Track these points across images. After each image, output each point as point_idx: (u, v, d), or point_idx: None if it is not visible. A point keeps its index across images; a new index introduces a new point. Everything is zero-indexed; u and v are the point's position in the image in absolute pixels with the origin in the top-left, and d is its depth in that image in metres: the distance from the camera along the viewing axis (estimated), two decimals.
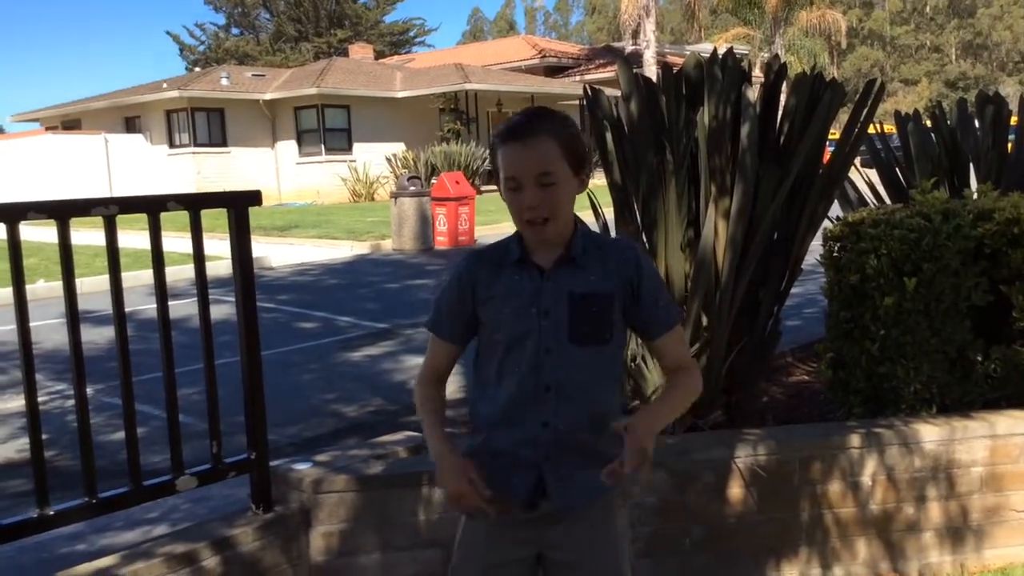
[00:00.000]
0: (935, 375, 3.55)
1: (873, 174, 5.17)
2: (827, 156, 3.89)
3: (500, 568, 2.00)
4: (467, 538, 2.04)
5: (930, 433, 3.33)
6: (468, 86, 29.06)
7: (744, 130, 3.50)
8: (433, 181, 17.56)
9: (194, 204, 2.80)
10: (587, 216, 3.92)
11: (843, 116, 4.27)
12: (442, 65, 33.77)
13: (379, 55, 44.31)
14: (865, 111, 3.80)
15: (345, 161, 28.62)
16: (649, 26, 31.71)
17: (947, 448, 3.33)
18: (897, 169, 5.14)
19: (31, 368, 2.46)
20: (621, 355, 2.01)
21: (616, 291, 1.93)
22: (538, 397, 1.92)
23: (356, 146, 29.34)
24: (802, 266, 3.88)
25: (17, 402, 5.65)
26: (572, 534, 1.98)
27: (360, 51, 39.39)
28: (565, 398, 1.92)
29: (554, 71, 37.00)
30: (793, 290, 3.96)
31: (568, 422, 1.92)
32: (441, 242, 14.97)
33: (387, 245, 15.36)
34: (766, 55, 33.89)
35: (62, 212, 2.50)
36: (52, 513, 2.53)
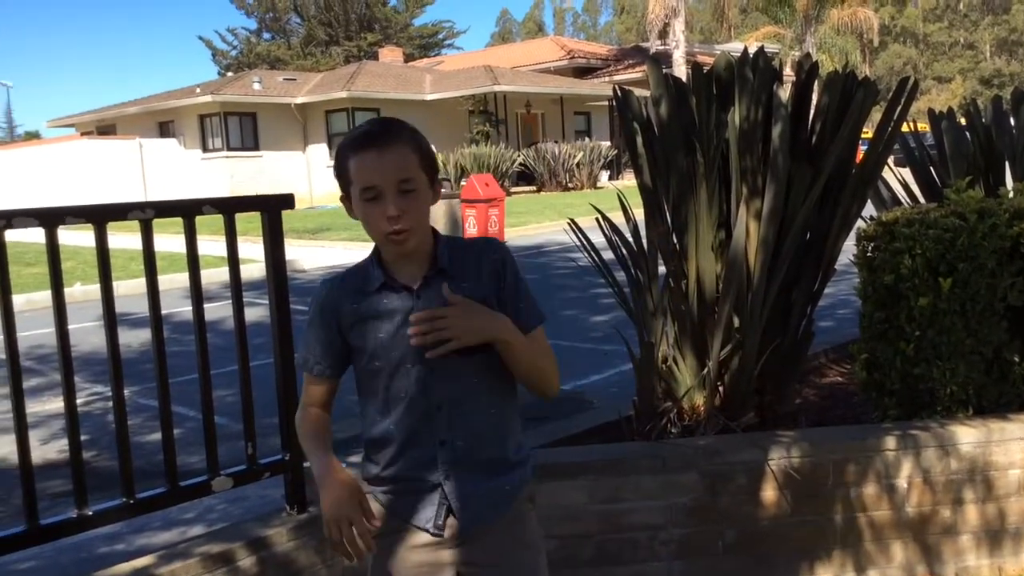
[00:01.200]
0: (971, 376, 3.51)
1: (907, 173, 5.12)
2: (860, 155, 3.85)
3: None
4: (379, 566, 1.93)
5: (967, 435, 3.29)
6: (497, 88, 29.12)
7: (776, 130, 3.47)
8: (463, 183, 17.60)
9: (228, 208, 2.83)
10: (617, 217, 3.93)
11: (876, 115, 4.23)
12: (471, 67, 33.86)
13: (408, 58, 44.50)
14: (898, 109, 3.77)
15: None
16: (678, 26, 31.61)
17: (984, 450, 3.29)
18: (931, 168, 5.09)
19: (70, 371, 2.51)
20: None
21: (489, 293, 1.83)
22: (430, 416, 1.83)
23: None
24: (835, 266, 3.85)
25: (56, 404, 5.74)
26: (486, 546, 1.89)
27: (390, 54, 39.61)
28: (459, 413, 1.84)
29: (583, 72, 36.98)
30: (826, 291, 3.93)
31: (465, 436, 1.84)
32: None
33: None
34: (797, 54, 33.61)
35: (99, 216, 2.54)
36: (91, 513, 2.57)
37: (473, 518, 1.87)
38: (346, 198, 1.86)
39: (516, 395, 1.94)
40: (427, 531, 1.87)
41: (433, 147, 1.91)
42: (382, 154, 1.76)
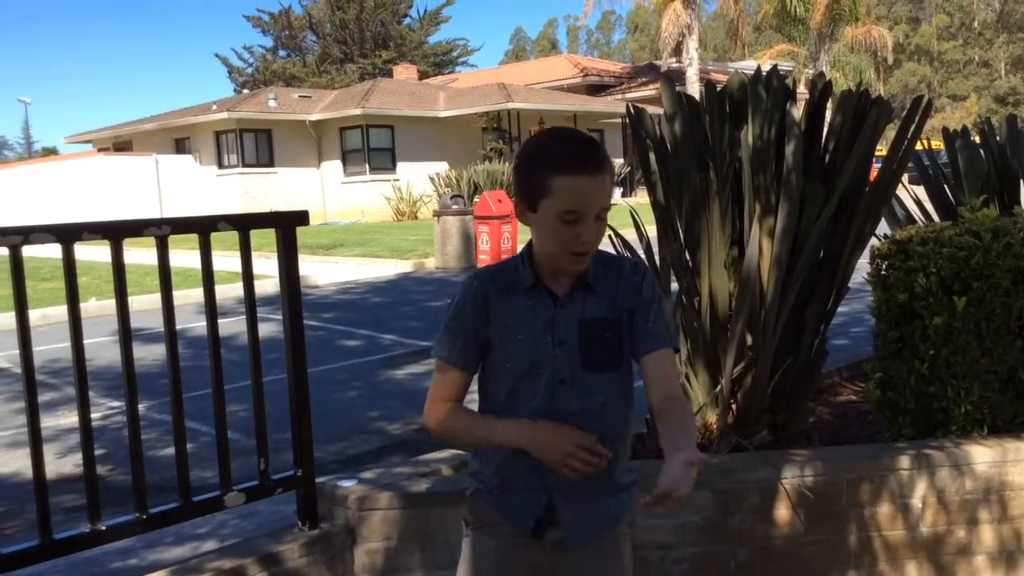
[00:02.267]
0: (986, 395, 3.49)
1: (921, 191, 5.10)
2: (874, 173, 3.85)
3: None
4: (472, 563, 1.95)
5: (982, 454, 3.27)
6: (510, 105, 29.21)
7: (789, 148, 3.48)
8: (476, 200, 17.65)
9: (243, 224, 2.85)
10: (630, 234, 3.94)
11: (890, 133, 4.23)
12: (485, 85, 33.98)
13: (423, 75, 44.72)
14: (912, 128, 3.77)
15: (389, 180, 28.89)
16: (692, 44, 31.69)
17: (999, 470, 3.27)
18: (945, 186, 5.07)
19: (85, 385, 2.52)
20: (632, 379, 1.92)
21: (624, 313, 1.86)
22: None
23: (400, 165, 29.61)
24: (849, 285, 3.84)
25: (70, 418, 5.76)
26: (582, 566, 1.90)
27: (404, 72, 39.79)
28: (580, 427, 1.82)
29: (596, 89, 37.06)
30: (840, 309, 3.92)
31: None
32: (484, 260, 15.01)
33: (430, 263, 15.46)
34: (811, 72, 33.64)
35: (116, 233, 2.56)
36: (104, 528, 2.58)
37: (580, 533, 1.89)
38: (525, 205, 1.82)
39: (631, 418, 1.95)
40: (530, 537, 1.88)
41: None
42: (595, 180, 1.76)
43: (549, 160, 1.78)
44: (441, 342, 1.90)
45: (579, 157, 1.76)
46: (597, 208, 1.76)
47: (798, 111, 3.57)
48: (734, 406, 3.67)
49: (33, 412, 2.42)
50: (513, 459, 1.87)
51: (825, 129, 3.80)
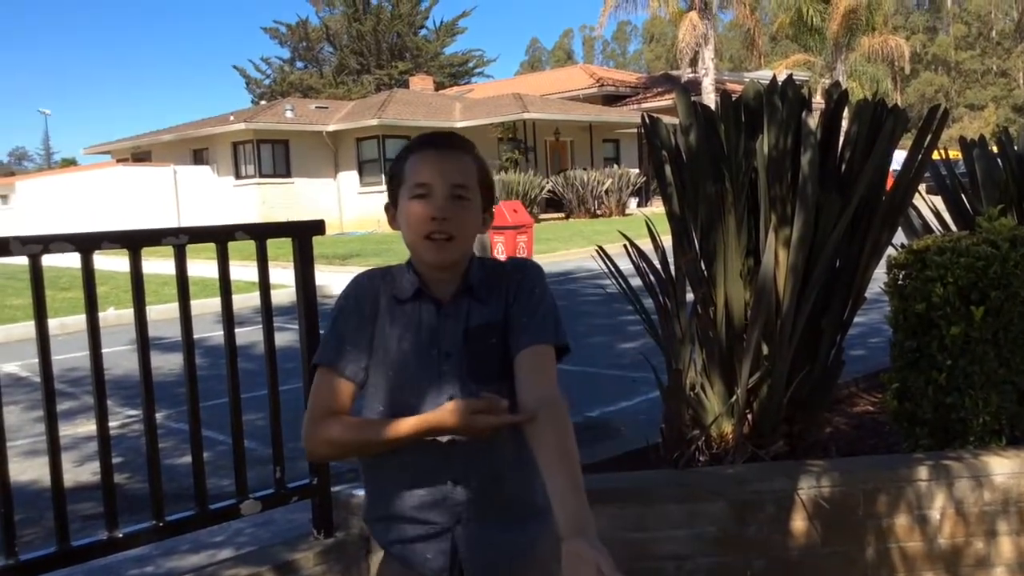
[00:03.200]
0: (1004, 406, 3.46)
1: (938, 201, 5.08)
2: (890, 183, 3.84)
3: None
4: None
5: (1000, 465, 3.24)
6: (526, 115, 29.28)
7: (805, 158, 3.47)
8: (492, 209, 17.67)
9: (260, 234, 2.87)
10: (646, 244, 3.94)
11: (906, 142, 4.22)
12: (501, 95, 34.09)
13: (439, 86, 44.90)
14: (929, 137, 3.75)
15: None
16: (708, 54, 31.70)
17: (1018, 481, 3.24)
18: (963, 196, 5.05)
19: (103, 394, 2.54)
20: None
21: (504, 316, 1.71)
22: (443, 451, 1.65)
23: None
24: (866, 295, 3.82)
25: (87, 427, 5.81)
26: None
27: (420, 82, 39.97)
28: (478, 448, 1.64)
29: (612, 100, 37.11)
30: (857, 319, 3.90)
31: (480, 475, 1.68)
32: None
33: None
34: (827, 81, 33.56)
35: (135, 242, 2.58)
36: (121, 535, 2.59)
37: (485, 572, 1.70)
38: (391, 206, 1.79)
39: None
40: None
41: (491, 176, 1.88)
42: (443, 156, 1.72)
43: (407, 147, 1.79)
44: (324, 346, 1.73)
45: (434, 137, 1.77)
46: (448, 183, 1.68)
47: (814, 120, 3.56)
48: (750, 416, 3.66)
49: (52, 420, 2.44)
50: (405, 492, 1.70)
51: (841, 139, 3.79)
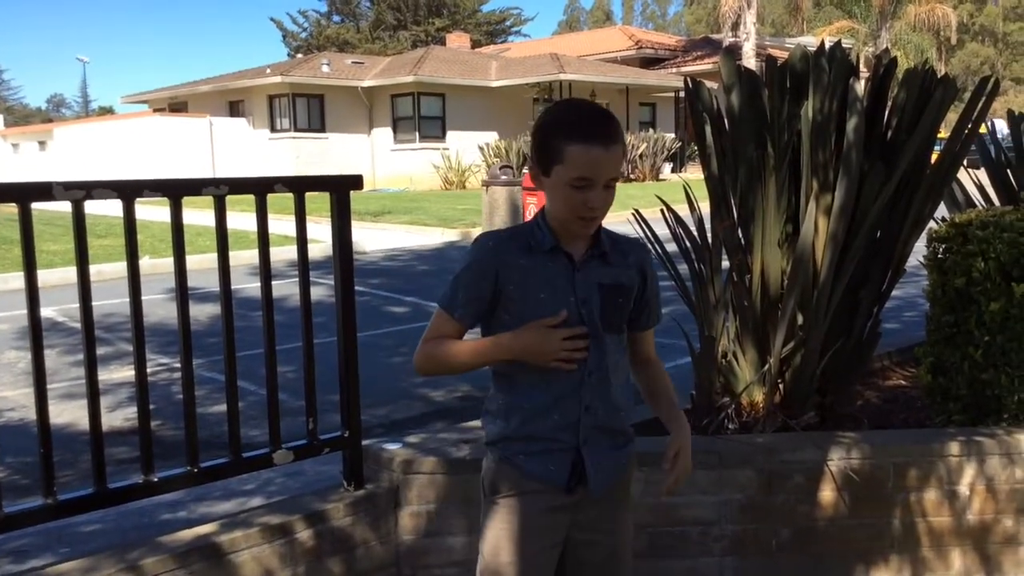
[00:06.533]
0: None
1: (982, 175, 4.99)
2: (934, 157, 3.77)
3: (540, 554, 2.03)
4: (507, 528, 2.03)
5: None
6: (563, 76, 29.02)
7: (851, 124, 3.41)
8: (525, 171, 17.59)
9: (299, 187, 2.87)
10: (682, 210, 3.90)
11: (950, 116, 4.13)
12: (537, 55, 33.80)
13: (475, 44, 44.56)
14: (978, 109, 3.67)
15: (439, 149, 28.93)
16: (750, 18, 31.18)
17: None
18: (1008, 170, 4.95)
19: (142, 342, 2.57)
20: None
21: (635, 284, 2.02)
22: (582, 382, 1.96)
23: (450, 134, 29.63)
24: (904, 267, 3.77)
25: (121, 373, 5.89)
26: (598, 513, 2.05)
27: (457, 40, 39.70)
28: (603, 382, 1.98)
29: (650, 63, 36.68)
30: (893, 292, 3.85)
31: (605, 405, 1.99)
32: None
33: (477, 233, 15.47)
34: (871, 50, 32.94)
35: (175, 191, 2.59)
36: (156, 480, 2.63)
37: (603, 482, 2.01)
38: (539, 170, 1.94)
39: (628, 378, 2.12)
40: (562, 493, 1.99)
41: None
42: (607, 151, 1.85)
43: (565, 128, 1.88)
44: (447, 291, 2.01)
45: (592, 127, 1.86)
46: (606, 177, 1.87)
47: (861, 86, 3.49)
48: (781, 386, 3.64)
49: (92, 367, 2.47)
50: (538, 416, 1.98)
51: (887, 108, 3.72)
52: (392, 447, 3.12)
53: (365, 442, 3.09)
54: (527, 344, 1.92)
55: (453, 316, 1.99)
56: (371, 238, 14.66)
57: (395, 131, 30.26)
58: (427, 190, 27.57)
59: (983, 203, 4.76)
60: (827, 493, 3.15)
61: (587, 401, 1.97)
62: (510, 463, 2.02)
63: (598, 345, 1.96)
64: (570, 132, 1.86)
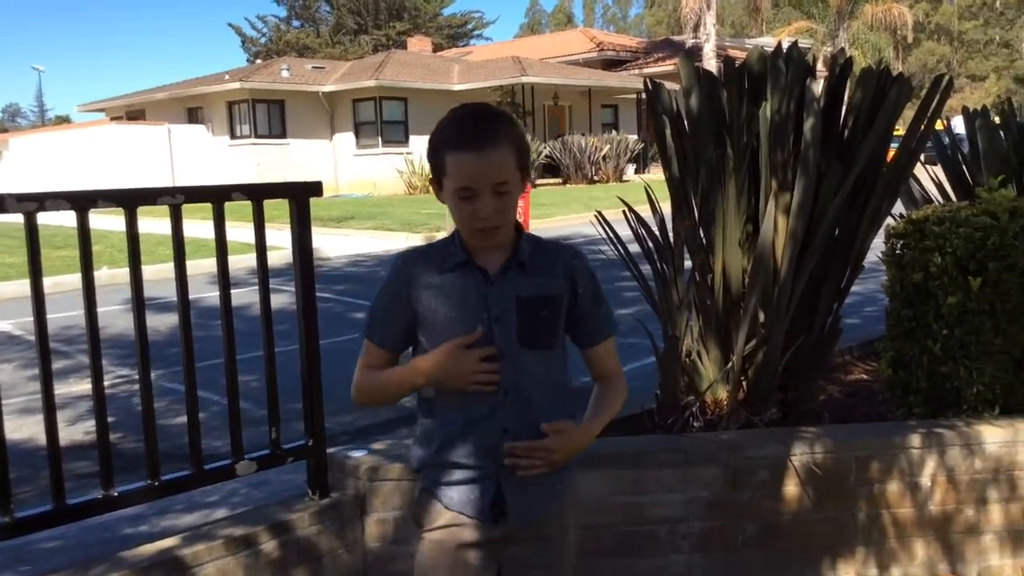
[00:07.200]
0: (998, 376, 3.47)
1: (939, 171, 5.06)
2: (891, 154, 3.82)
3: None
4: (433, 566, 1.93)
5: (993, 435, 3.26)
6: (525, 79, 29.07)
7: (807, 124, 3.45)
8: None
9: (257, 194, 2.84)
10: (644, 210, 3.92)
11: (907, 113, 4.19)
12: (499, 58, 33.81)
13: (437, 48, 44.53)
14: (932, 107, 3.73)
15: (402, 153, 28.83)
16: (710, 19, 31.43)
17: (1010, 450, 3.26)
18: (964, 166, 5.03)
19: (98, 354, 2.53)
20: (566, 360, 1.96)
21: (563, 294, 1.90)
22: (498, 403, 1.85)
23: (413, 138, 29.54)
24: (863, 263, 3.82)
25: (81, 386, 5.80)
26: (532, 548, 1.93)
27: (418, 44, 39.63)
28: (522, 403, 1.86)
29: (612, 64, 36.85)
30: (853, 288, 3.90)
31: (527, 427, 1.86)
32: None
33: (441, 237, 15.43)
34: (829, 49, 33.34)
35: (130, 201, 2.55)
36: (116, 494, 2.59)
37: (526, 514, 1.90)
38: (436, 184, 1.87)
39: (569, 388, 1.98)
40: (482, 521, 1.88)
41: (525, 139, 1.91)
42: (482, 158, 1.77)
43: (442, 139, 1.82)
44: (367, 320, 1.96)
45: (464, 134, 1.79)
46: (489, 184, 1.78)
47: (818, 87, 3.53)
48: (744, 383, 3.67)
49: (47, 380, 2.43)
50: (455, 442, 1.88)
51: (844, 107, 3.76)
52: (357, 454, 3.10)
53: (330, 450, 3.07)
54: (440, 367, 1.83)
55: (373, 342, 1.93)
56: (335, 244, 14.58)
57: (357, 136, 30.13)
58: (391, 195, 27.47)
59: (940, 199, 4.83)
60: (791, 488, 3.17)
61: (505, 423, 1.85)
62: (431, 493, 1.93)
63: (513, 364, 1.84)
64: (446, 142, 1.80)
